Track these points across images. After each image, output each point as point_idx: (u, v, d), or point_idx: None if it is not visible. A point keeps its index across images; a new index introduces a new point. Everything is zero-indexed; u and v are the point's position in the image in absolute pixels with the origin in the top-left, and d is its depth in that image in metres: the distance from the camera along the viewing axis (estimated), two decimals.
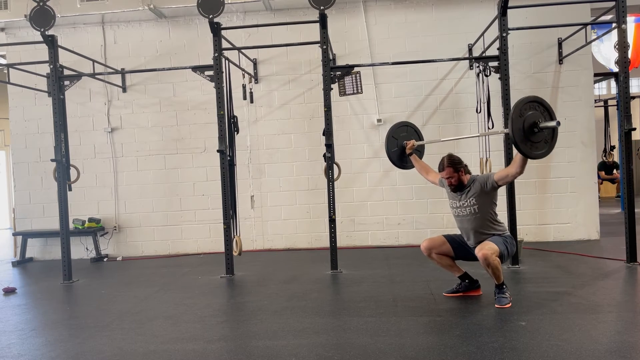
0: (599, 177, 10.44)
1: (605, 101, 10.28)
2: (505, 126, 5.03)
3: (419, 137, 4.61)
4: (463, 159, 3.97)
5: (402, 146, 4.46)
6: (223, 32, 5.28)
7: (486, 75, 5.60)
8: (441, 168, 3.90)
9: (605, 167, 11.63)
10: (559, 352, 2.78)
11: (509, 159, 5.01)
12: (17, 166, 7.18)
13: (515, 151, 3.56)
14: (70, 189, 5.59)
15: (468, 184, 3.87)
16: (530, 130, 3.35)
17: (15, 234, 7.19)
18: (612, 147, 10.08)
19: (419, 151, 4.61)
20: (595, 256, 5.45)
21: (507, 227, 4.00)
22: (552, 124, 3.31)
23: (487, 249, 3.60)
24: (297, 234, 6.84)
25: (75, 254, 6.20)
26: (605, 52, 8.25)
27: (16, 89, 6.85)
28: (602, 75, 8.20)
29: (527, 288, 4.25)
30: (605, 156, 10.04)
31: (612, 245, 6.00)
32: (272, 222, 6.87)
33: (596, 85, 8.52)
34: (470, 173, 3.95)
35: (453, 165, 3.84)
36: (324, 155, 5.20)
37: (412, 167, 4.54)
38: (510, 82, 5.07)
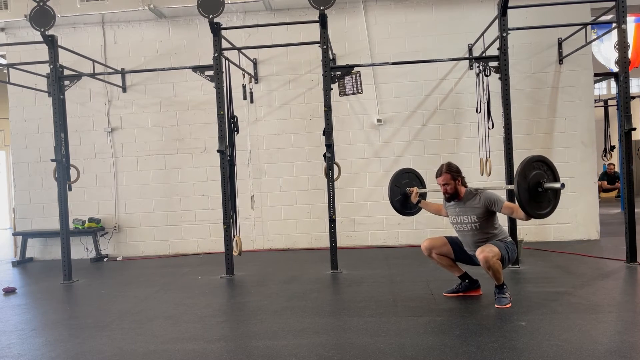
0: (600, 188, 10.47)
1: (605, 101, 10.27)
2: (505, 129, 5.04)
3: (421, 181, 4.56)
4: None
5: (405, 193, 4.41)
6: (223, 32, 5.28)
7: (486, 75, 5.60)
8: (439, 174, 3.87)
9: (607, 177, 11.70)
10: (559, 352, 2.78)
11: (508, 159, 5.02)
12: (17, 166, 7.18)
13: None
14: (70, 189, 5.59)
15: (465, 197, 3.85)
16: (535, 190, 3.36)
17: (15, 234, 7.19)
18: (612, 147, 10.07)
19: (422, 195, 4.57)
20: (595, 256, 5.45)
21: (507, 233, 3.97)
22: (557, 185, 3.34)
23: (488, 251, 3.59)
24: (297, 234, 6.84)
25: (75, 254, 6.21)
26: (605, 52, 8.25)
27: (16, 89, 6.85)
28: (602, 75, 8.20)
29: (527, 288, 4.25)
30: (605, 157, 10.03)
31: (612, 245, 6.00)
32: (272, 222, 6.87)
33: (596, 85, 8.51)
34: (466, 186, 3.91)
35: (451, 172, 3.82)
36: (324, 155, 5.20)
37: (415, 213, 4.52)
38: (510, 82, 5.07)
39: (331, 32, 5.83)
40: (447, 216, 4.12)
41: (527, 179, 3.32)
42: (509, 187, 4.14)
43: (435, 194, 4.31)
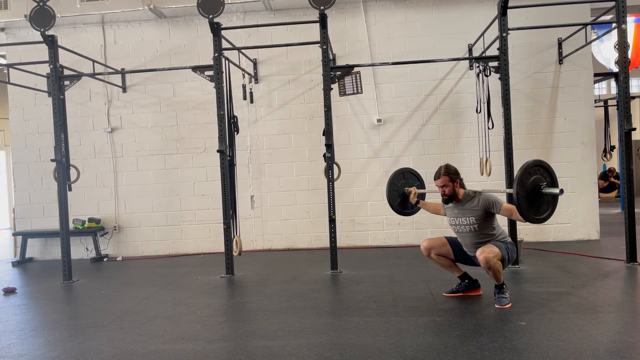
0: (599, 187, 10.48)
1: (605, 101, 10.27)
2: (505, 129, 5.04)
3: (418, 178, 4.57)
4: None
5: (404, 193, 4.43)
6: (223, 32, 5.28)
7: (486, 75, 5.60)
8: (437, 176, 3.88)
9: (606, 177, 11.78)
10: (559, 352, 2.78)
11: (508, 159, 5.01)
12: (17, 166, 7.18)
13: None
14: (70, 189, 5.58)
15: (464, 199, 3.85)
16: (534, 195, 3.36)
17: (15, 234, 7.19)
18: (612, 147, 10.08)
19: (420, 195, 4.56)
20: (595, 256, 5.45)
21: (507, 234, 3.97)
22: (556, 191, 3.34)
23: (488, 252, 3.59)
24: (297, 234, 6.84)
25: (75, 254, 6.20)
26: (605, 52, 8.24)
27: (16, 89, 6.85)
28: (602, 75, 8.20)
29: (527, 288, 4.25)
30: (604, 157, 10.04)
31: (612, 245, 6.00)
32: (272, 222, 6.87)
33: (596, 85, 8.51)
34: (465, 188, 3.91)
35: (449, 174, 3.83)
36: (324, 155, 5.20)
37: (414, 213, 4.54)
38: (510, 82, 5.07)
39: (331, 32, 5.83)
40: (445, 214, 4.14)
41: (526, 186, 3.32)
42: (508, 190, 4.15)
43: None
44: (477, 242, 3.80)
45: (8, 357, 3.14)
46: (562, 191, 3.34)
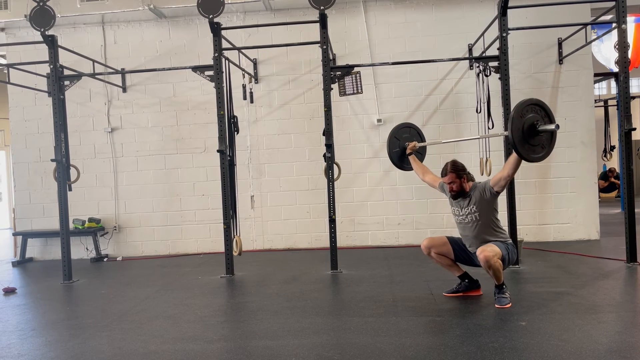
0: (599, 187, 10.49)
1: (605, 101, 10.27)
2: (505, 127, 5.04)
3: (422, 139, 4.63)
4: (463, 159, 3.99)
5: (404, 147, 4.47)
6: (223, 32, 5.28)
7: (486, 75, 5.60)
8: (444, 173, 3.88)
9: (606, 177, 11.82)
10: (559, 352, 2.78)
11: None
12: (17, 166, 7.18)
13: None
14: (70, 189, 5.58)
15: (470, 191, 3.86)
16: (529, 133, 3.36)
17: (15, 234, 7.19)
18: (612, 147, 10.08)
19: (420, 153, 4.62)
20: (595, 256, 5.45)
21: (508, 235, 3.97)
22: (552, 127, 3.33)
23: (489, 250, 3.60)
24: (297, 234, 6.84)
25: (75, 254, 6.20)
26: (605, 52, 8.25)
27: (16, 89, 6.85)
28: (602, 75, 8.20)
29: (527, 288, 4.25)
30: (605, 157, 10.04)
31: (612, 245, 6.00)
32: (272, 222, 6.87)
33: (596, 85, 8.51)
34: (473, 180, 3.93)
35: (456, 171, 3.83)
36: (324, 155, 5.20)
37: (412, 168, 4.55)
38: (510, 82, 5.07)
39: (331, 32, 5.83)
40: (431, 183, 4.23)
41: (523, 118, 3.31)
42: (506, 133, 4.17)
43: (431, 159, 4.32)
44: (479, 234, 3.80)
45: (8, 357, 3.14)
46: (557, 126, 3.32)
